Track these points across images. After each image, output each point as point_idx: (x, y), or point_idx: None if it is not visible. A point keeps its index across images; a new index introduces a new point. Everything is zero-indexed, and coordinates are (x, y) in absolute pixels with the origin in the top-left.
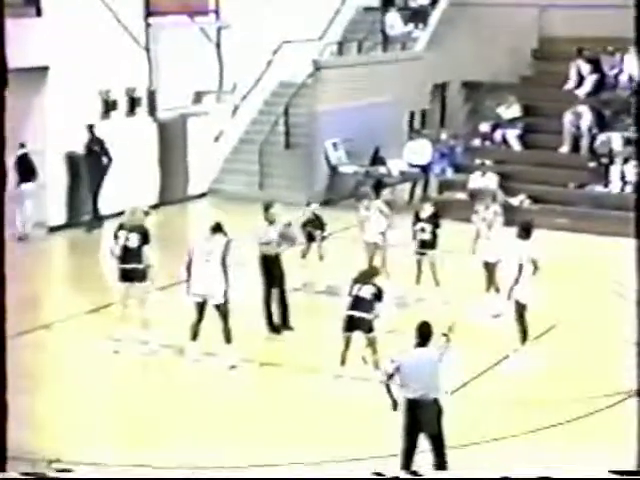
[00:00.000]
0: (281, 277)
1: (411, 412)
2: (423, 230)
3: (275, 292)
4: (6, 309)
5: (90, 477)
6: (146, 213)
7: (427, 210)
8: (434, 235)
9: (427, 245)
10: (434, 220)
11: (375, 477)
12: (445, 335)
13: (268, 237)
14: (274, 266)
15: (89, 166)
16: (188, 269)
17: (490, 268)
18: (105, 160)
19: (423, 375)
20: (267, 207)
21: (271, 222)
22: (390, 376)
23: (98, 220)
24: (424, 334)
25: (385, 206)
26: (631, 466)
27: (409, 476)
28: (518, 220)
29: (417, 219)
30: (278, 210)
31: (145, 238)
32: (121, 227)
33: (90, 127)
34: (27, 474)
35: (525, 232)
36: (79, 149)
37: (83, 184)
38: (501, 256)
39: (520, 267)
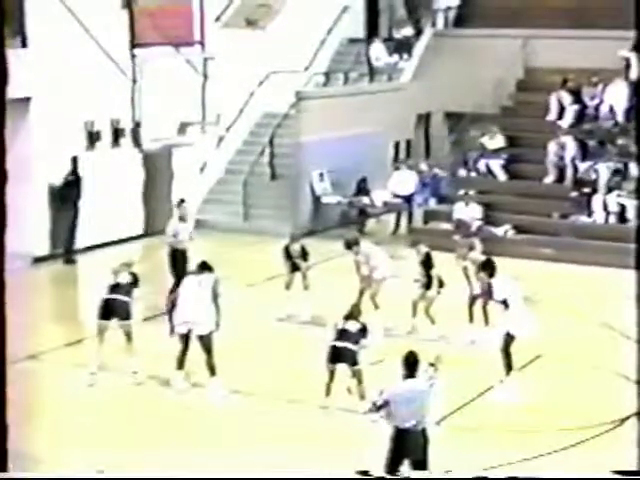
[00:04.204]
0: None
1: (398, 439)
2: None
3: None
4: (6, 333)
5: (89, 477)
6: (128, 265)
7: (421, 251)
8: (428, 277)
9: (423, 286)
10: (427, 262)
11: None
12: (432, 365)
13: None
14: None
15: (66, 198)
16: (172, 303)
17: (473, 301)
18: (77, 194)
19: (413, 406)
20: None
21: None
22: (378, 408)
23: (72, 254)
24: (411, 364)
25: (371, 247)
26: None
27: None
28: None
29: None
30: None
31: (135, 280)
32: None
33: (74, 159)
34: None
35: (486, 271)
36: (58, 180)
37: (64, 215)
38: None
39: (504, 301)
